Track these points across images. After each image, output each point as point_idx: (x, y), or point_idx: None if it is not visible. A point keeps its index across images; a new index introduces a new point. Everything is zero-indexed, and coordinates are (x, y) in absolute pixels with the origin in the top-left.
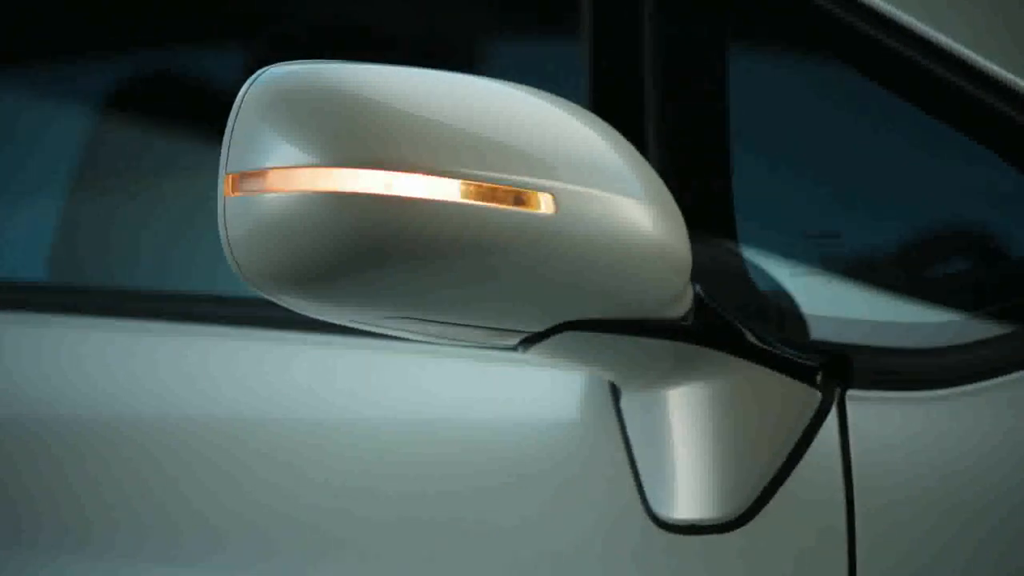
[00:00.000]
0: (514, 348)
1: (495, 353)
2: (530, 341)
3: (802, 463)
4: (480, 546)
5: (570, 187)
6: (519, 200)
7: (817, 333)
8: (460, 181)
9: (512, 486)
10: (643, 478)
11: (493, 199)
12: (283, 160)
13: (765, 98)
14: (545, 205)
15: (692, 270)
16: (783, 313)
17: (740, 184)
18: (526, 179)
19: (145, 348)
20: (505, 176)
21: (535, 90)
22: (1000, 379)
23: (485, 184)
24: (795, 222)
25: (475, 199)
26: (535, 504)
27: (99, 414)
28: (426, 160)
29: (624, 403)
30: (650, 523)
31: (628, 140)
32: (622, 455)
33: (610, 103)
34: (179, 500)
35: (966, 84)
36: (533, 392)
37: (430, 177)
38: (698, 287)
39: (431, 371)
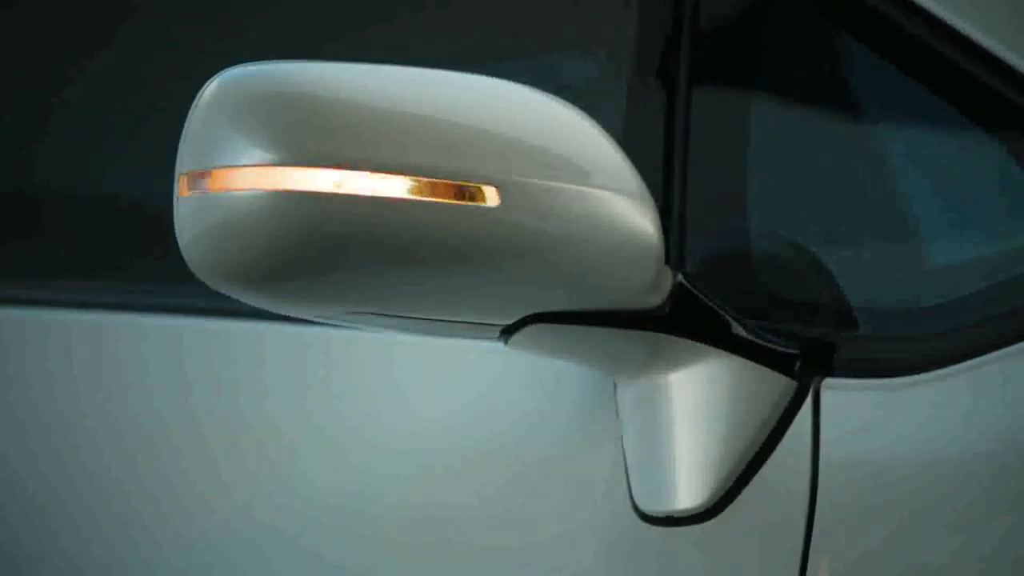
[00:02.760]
0: (498, 340)
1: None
2: (506, 333)
3: (776, 454)
4: (475, 537)
5: (517, 178)
6: (462, 194)
7: (803, 319)
8: (405, 177)
9: (508, 477)
10: (629, 470)
11: (437, 194)
12: (233, 159)
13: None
14: (490, 198)
15: (665, 257)
16: (775, 300)
17: (758, 174)
18: (472, 172)
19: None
20: (450, 170)
21: (497, 80)
22: (968, 363)
23: (427, 179)
24: (801, 213)
25: (420, 194)
26: (529, 496)
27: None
28: (373, 157)
29: (618, 393)
30: (635, 516)
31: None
32: (618, 447)
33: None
34: (179, 498)
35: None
36: (536, 383)
37: (376, 174)
38: (680, 275)
39: (431, 359)
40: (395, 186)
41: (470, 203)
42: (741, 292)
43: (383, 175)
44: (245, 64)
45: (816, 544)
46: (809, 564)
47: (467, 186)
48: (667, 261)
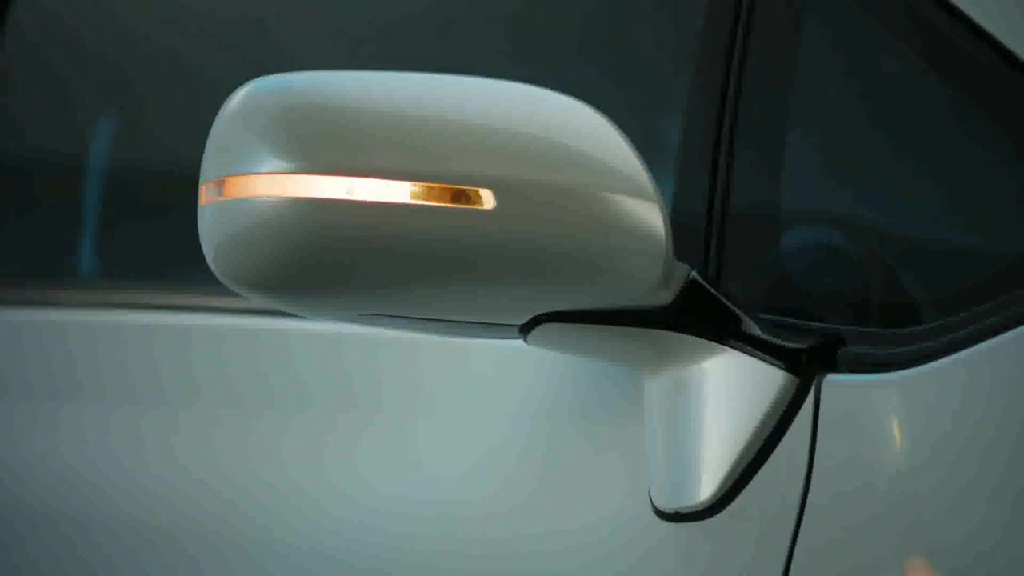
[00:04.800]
0: (519, 338)
1: None
2: (524, 332)
3: (778, 450)
4: (500, 531)
5: (514, 180)
6: (460, 197)
7: (818, 314)
8: (410, 182)
9: (535, 472)
10: (648, 466)
11: (436, 198)
12: (250, 168)
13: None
14: (486, 200)
15: (674, 255)
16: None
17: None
18: (469, 175)
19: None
20: (449, 173)
21: (506, 83)
22: (960, 354)
23: (428, 184)
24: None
25: (422, 199)
26: (555, 491)
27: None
28: (380, 163)
29: (645, 390)
30: (652, 512)
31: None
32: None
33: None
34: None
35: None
36: (569, 378)
37: (382, 180)
38: (694, 272)
39: (456, 356)
40: (399, 191)
41: (466, 206)
42: (767, 287)
43: (389, 181)
44: (266, 76)
45: (802, 540)
46: (793, 560)
47: (464, 189)
48: (706, 262)
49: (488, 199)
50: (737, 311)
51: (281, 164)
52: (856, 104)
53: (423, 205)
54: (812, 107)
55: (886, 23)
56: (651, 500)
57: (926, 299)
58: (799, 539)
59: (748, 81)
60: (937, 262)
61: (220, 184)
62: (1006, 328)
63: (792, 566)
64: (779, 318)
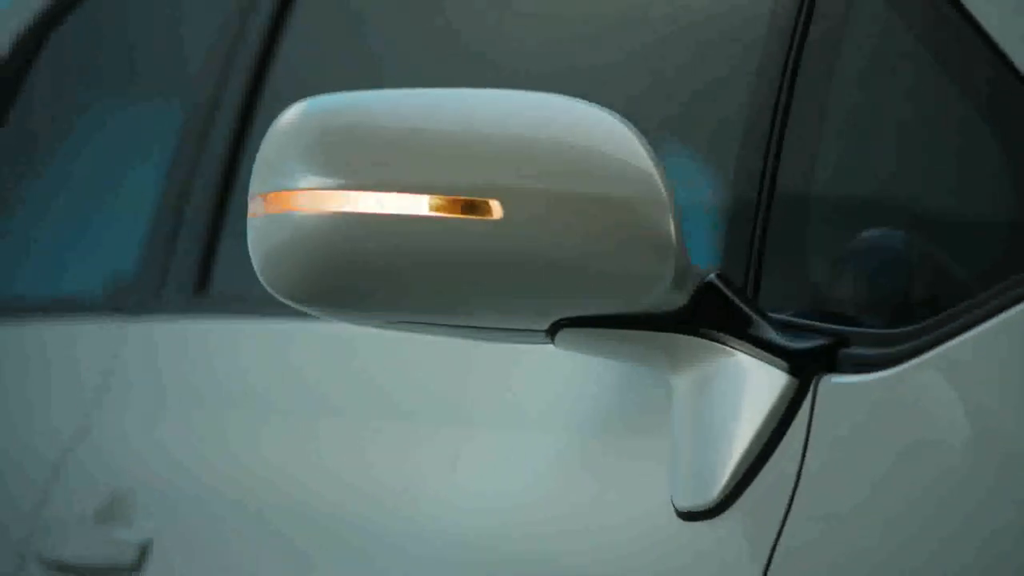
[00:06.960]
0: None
1: None
2: (549, 335)
3: (777, 451)
4: (527, 531)
5: (522, 189)
6: (471, 208)
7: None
8: (428, 195)
9: (568, 471)
10: (669, 465)
11: (451, 209)
12: (286, 184)
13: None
14: (494, 211)
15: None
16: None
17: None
18: (478, 186)
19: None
20: (460, 185)
21: (525, 93)
22: (938, 350)
23: (444, 196)
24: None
25: (438, 211)
26: (586, 488)
27: None
28: (401, 178)
29: (671, 391)
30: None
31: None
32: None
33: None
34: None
35: None
36: (605, 383)
37: (404, 194)
38: (712, 274)
39: (484, 355)
40: (419, 204)
41: (475, 217)
42: (787, 287)
43: (410, 195)
44: (315, 96)
45: (785, 541)
46: (773, 561)
47: (474, 200)
48: (749, 257)
49: (496, 209)
50: (750, 312)
51: (313, 180)
52: (872, 104)
53: (439, 217)
54: (843, 109)
55: (915, 30)
56: (671, 499)
57: (920, 297)
58: (780, 540)
59: (802, 76)
60: (931, 257)
61: (264, 198)
62: (991, 318)
63: (771, 567)
64: (789, 318)
